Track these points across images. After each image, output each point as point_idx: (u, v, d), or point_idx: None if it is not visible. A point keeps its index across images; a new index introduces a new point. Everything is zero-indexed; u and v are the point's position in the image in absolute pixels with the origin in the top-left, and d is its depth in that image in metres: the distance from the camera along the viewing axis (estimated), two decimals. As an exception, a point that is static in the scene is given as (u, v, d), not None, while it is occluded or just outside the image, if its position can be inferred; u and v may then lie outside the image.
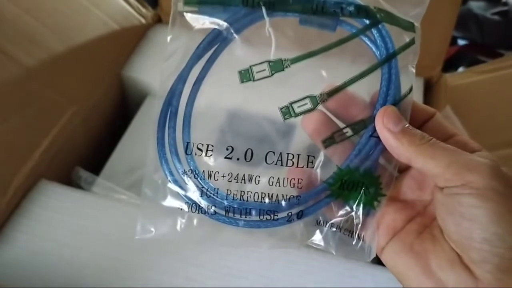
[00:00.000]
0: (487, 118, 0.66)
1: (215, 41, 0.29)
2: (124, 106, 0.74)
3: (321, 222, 0.29)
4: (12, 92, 0.52)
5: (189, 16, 0.28)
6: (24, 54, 0.54)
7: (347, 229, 0.29)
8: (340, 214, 0.29)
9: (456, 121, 0.65)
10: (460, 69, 0.88)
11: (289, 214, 0.28)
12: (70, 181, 0.59)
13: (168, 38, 0.29)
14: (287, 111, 0.28)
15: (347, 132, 0.29)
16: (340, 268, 0.46)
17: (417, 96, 0.29)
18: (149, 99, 0.69)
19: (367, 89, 0.29)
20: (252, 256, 0.48)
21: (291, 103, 0.28)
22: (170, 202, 0.29)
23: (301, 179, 0.28)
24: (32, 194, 0.52)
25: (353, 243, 0.29)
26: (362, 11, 0.28)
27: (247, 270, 0.47)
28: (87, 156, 0.66)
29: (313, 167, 0.29)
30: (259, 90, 0.28)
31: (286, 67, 0.28)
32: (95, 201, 0.53)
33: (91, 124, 0.66)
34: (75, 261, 0.47)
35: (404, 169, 0.30)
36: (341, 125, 0.29)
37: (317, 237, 0.29)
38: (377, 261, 0.35)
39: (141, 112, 0.68)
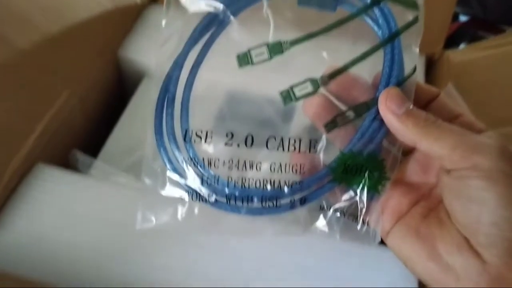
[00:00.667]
0: (489, 95, 0.65)
1: (211, 25, 0.28)
2: (121, 87, 0.73)
3: (325, 207, 0.29)
4: (5, 75, 0.51)
5: (184, -1, 0.28)
6: (17, 35, 0.53)
7: (352, 214, 0.28)
8: (344, 199, 0.28)
9: (458, 98, 0.64)
10: (462, 46, 0.87)
11: (292, 200, 0.28)
12: (68, 164, 0.58)
13: (163, 22, 0.28)
14: (288, 95, 0.28)
15: (349, 115, 0.28)
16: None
17: (419, 74, 0.28)
18: (146, 80, 0.69)
19: (369, 70, 0.28)
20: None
21: (291, 87, 0.28)
22: (170, 191, 0.28)
23: (304, 164, 0.28)
24: (29, 178, 0.51)
25: (358, 228, 0.28)
26: (363, -11, 0.27)
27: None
28: (85, 139, 0.66)
29: (315, 152, 0.28)
30: (258, 73, 0.28)
31: (286, 49, 0.28)
32: (93, 184, 0.52)
33: (88, 106, 0.65)
34: (73, 245, 0.47)
35: (408, 152, 0.29)
36: (343, 108, 0.28)
37: (321, 223, 0.29)
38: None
39: (139, 93, 0.67)
